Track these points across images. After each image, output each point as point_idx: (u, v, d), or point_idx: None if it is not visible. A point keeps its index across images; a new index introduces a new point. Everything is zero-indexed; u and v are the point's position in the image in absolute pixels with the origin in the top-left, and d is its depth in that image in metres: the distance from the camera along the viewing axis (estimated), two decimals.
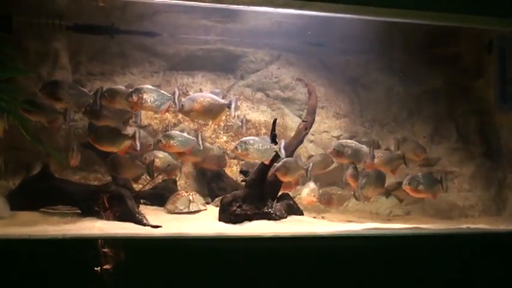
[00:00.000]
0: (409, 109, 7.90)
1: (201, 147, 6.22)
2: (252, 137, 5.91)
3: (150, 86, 5.80)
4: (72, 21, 6.76)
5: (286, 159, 5.93)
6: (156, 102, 5.72)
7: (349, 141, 6.44)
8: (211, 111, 5.84)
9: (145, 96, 5.67)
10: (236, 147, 5.73)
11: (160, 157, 6.41)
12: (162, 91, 5.80)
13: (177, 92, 5.79)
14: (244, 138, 5.82)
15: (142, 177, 6.64)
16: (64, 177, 6.13)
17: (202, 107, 5.78)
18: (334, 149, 6.27)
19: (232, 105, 5.84)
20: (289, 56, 8.01)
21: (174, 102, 5.75)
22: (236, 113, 6.00)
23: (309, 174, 6.18)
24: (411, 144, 6.87)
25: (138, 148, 5.85)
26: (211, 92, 6.03)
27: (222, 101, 5.88)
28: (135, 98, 5.65)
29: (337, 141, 6.66)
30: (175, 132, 6.23)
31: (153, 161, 6.18)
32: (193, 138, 6.16)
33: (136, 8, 6.83)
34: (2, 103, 5.22)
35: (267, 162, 5.81)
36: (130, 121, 6.27)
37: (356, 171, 6.28)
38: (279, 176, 5.99)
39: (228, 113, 5.96)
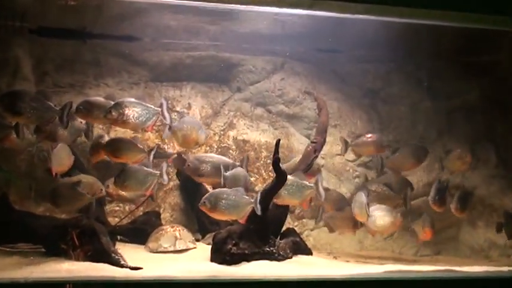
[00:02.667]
0: (439, 128, 8.00)
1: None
2: (133, 165, 5.97)
3: (132, 100, 5.87)
4: (37, 24, 6.85)
5: (215, 190, 5.76)
6: (140, 118, 5.80)
7: (210, 155, 6.31)
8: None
9: (127, 111, 5.75)
10: (115, 178, 5.90)
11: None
12: (148, 104, 5.88)
13: (164, 104, 5.87)
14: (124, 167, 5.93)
15: (120, 209, 6.67)
16: (26, 209, 6.16)
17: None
18: (188, 165, 6.09)
19: (164, 109, 5.87)
20: (296, 64, 8.10)
21: (163, 115, 5.83)
22: (169, 118, 5.94)
23: (257, 205, 5.58)
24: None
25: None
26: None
27: (152, 106, 5.89)
28: (114, 114, 5.73)
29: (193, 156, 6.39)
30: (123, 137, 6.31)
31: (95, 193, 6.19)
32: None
33: (113, 8, 6.91)
34: None
35: (147, 193, 5.90)
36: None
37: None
38: (206, 211, 5.66)
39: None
